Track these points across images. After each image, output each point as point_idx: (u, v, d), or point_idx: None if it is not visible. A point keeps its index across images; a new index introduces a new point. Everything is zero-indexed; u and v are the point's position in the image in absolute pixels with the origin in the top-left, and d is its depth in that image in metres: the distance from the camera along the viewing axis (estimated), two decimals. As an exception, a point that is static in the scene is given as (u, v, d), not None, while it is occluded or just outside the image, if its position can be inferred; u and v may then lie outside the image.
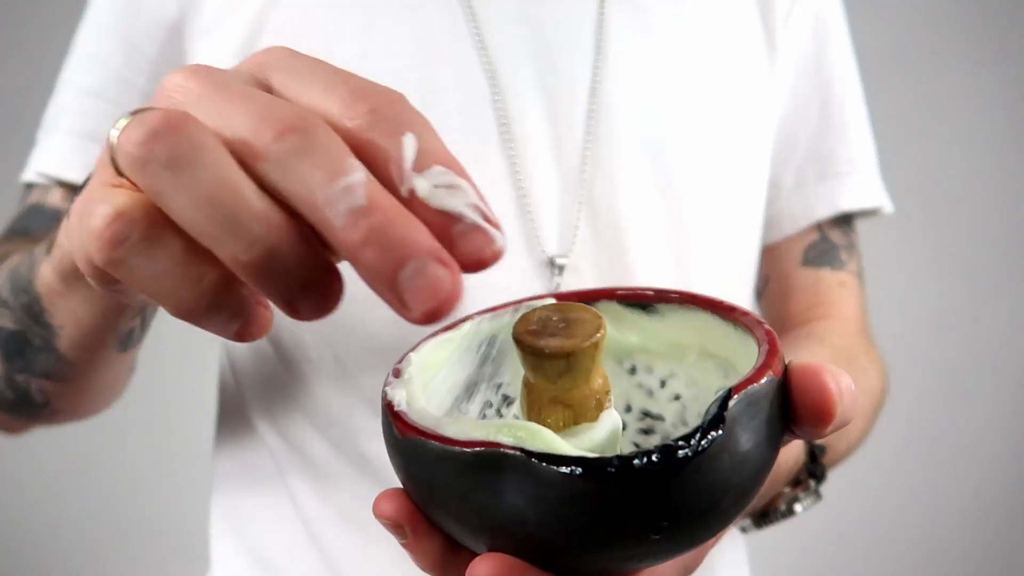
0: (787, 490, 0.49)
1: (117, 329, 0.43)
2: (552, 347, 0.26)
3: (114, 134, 0.22)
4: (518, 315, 0.32)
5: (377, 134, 0.21)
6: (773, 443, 0.26)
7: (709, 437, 0.23)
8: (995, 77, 1.56)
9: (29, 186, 0.56)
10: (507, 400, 0.33)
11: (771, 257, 0.63)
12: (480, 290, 0.47)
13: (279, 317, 0.51)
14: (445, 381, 0.31)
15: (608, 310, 0.32)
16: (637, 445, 0.33)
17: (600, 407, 0.27)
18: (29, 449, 1.24)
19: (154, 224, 0.21)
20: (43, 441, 1.04)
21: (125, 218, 0.21)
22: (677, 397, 0.32)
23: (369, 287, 0.20)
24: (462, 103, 0.48)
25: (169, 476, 1.34)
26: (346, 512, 0.51)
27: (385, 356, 0.48)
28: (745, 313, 0.29)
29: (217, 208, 0.20)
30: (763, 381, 0.25)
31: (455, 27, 0.49)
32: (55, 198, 0.54)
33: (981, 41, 1.57)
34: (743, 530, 0.53)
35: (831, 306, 0.61)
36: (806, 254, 0.62)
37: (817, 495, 0.49)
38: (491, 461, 0.23)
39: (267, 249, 0.20)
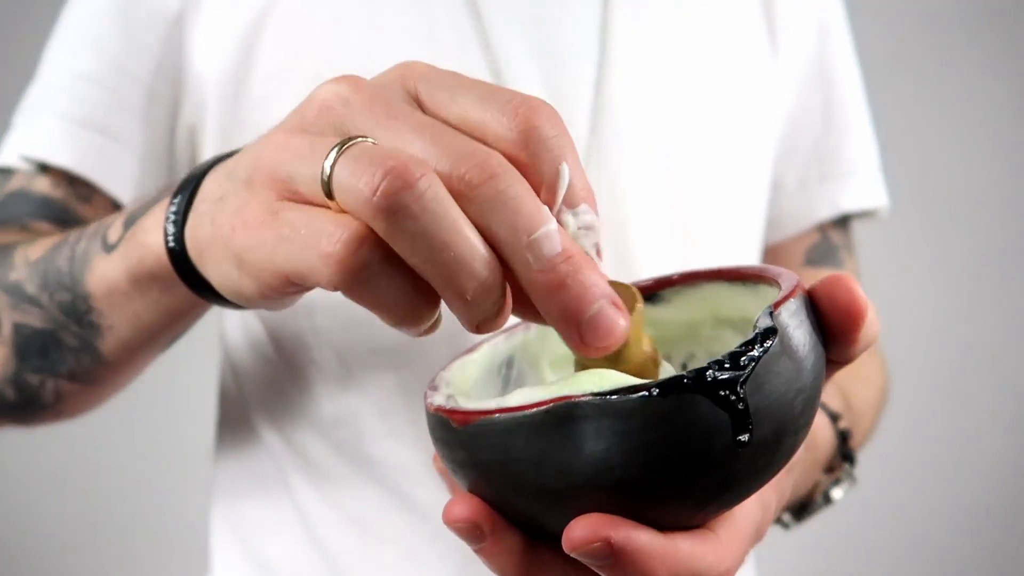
0: (824, 477, 0.49)
1: (177, 329, 0.43)
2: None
3: (325, 167, 0.24)
4: (531, 333, 0.32)
5: (537, 159, 0.24)
6: (820, 351, 0.26)
7: (769, 342, 0.24)
8: (995, 77, 1.56)
9: (5, 172, 0.53)
10: None
11: (773, 257, 0.63)
12: None
13: (280, 317, 0.51)
14: (478, 395, 0.31)
15: None
16: None
17: (657, 365, 0.27)
18: (29, 450, 1.24)
19: (389, 251, 0.23)
20: (43, 442, 1.03)
21: (369, 245, 0.23)
22: None
23: (548, 321, 0.23)
24: None
25: (168, 478, 1.34)
26: (349, 515, 0.50)
27: (389, 357, 0.48)
28: (750, 269, 0.30)
29: (450, 254, 0.23)
30: (797, 296, 0.26)
31: (459, 25, 0.49)
32: (42, 184, 0.51)
33: (981, 41, 1.57)
34: (785, 525, 0.52)
35: None
36: (808, 255, 0.62)
37: (852, 478, 0.49)
38: (564, 414, 0.23)
39: (486, 289, 0.23)
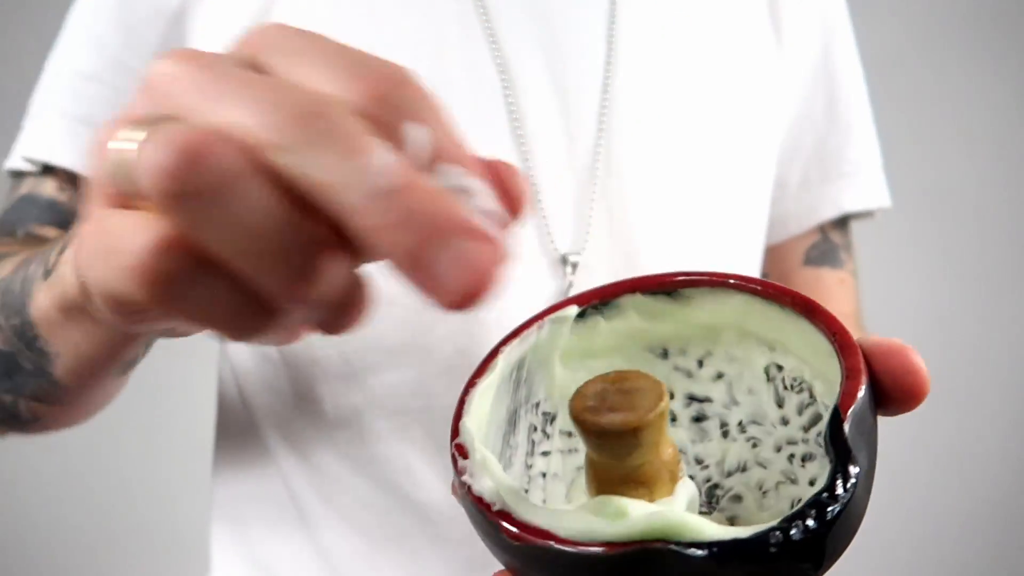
0: None
1: (122, 358, 0.42)
2: (616, 424, 0.25)
3: (126, 147, 0.19)
4: (543, 332, 0.31)
5: (383, 125, 0.19)
6: (875, 442, 0.25)
7: (851, 481, 0.22)
8: (995, 77, 1.57)
9: (18, 175, 0.53)
10: (548, 417, 0.32)
11: (774, 256, 0.63)
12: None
13: None
14: (491, 424, 0.30)
15: (633, 304, 0.32)
16: (697, 438, 0.32)
17: (674, 479, 0.26)
18: (28, 452, 1.23)
19: (200, 254, 0.19)
20: (43, 445, 1.03)
21: (172, 251, 0.19)
22: (720, 375, 0.31)
23: (401, 273, 0.18)
24: (473, 98, 0.48)
25: (168, 479, 1.34)
26: (352, 518, 0.50)
27: (394, 356, 0.47)
28: (796, 298, 0.29)
29: (258, 241, 0.18)
30: (862, 392, 0.24)
31: (465, 20, 0.49)
32: (49, 187, 0.51)
33: (981, 41, 1.57)
34: None
35: (829, 303, 0.60)
36: (808, 254, 0.62)
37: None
38: (637, 560, 0.22)
39: (311, 277, 0.19)
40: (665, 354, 0.32)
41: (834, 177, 0.61)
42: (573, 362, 0.32)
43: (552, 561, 0.23)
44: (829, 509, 0.22)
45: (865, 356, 0.25)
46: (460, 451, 0.27)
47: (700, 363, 0.32)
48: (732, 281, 0.30)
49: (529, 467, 0.31)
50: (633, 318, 0.32)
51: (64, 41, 0.53)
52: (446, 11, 0.49)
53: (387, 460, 0.48)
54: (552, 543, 0.23)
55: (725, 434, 0.28)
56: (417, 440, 0.48)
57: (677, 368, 0.32)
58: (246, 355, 0.54)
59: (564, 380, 0.32)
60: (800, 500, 0.28)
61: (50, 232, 0.50)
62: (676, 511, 0.23)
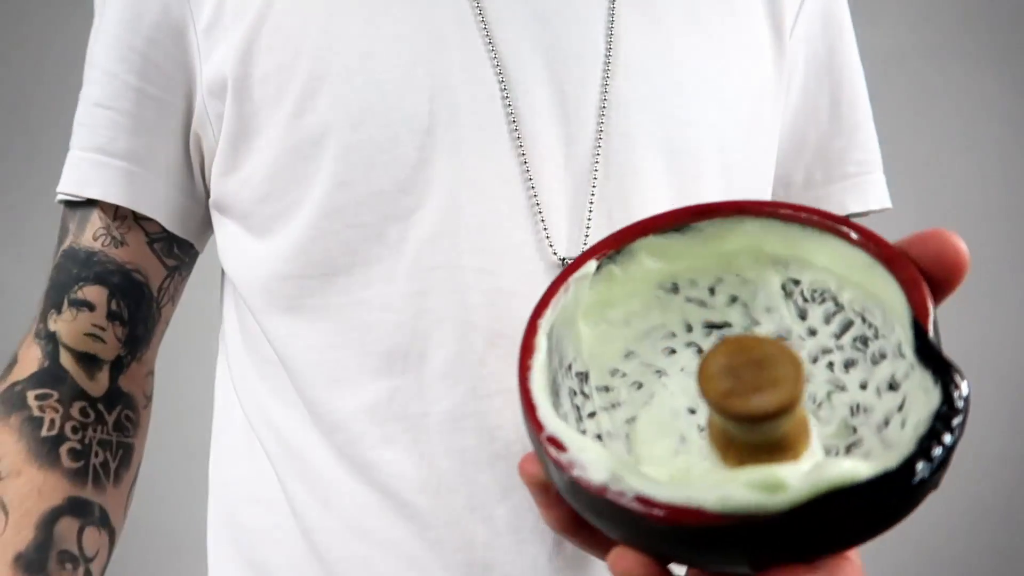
0: None
1: None
2: (772, 407, 0.24)
3: None
4: (569, 294, 0.31)
5: None
6: None
7: (963, 390, 0.24)
8: (995, 77, 1.56)
9: (68, 208, 0.56)
10: (582, 377, 0.32)
11: None
12: (489, 295, 0.46)
13: (279, 320, 0.50)
14: (561, 356, 0.30)
15: (646, 246, 0.32)
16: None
17: (808, 430, 0.26)
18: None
19: None
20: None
21: None
22: (734, 299, 0.31)
23: None
24: (471, 100, 0.47)
25: (167, 484, 1.34)
26: (349, 522, 0.49)
27: (390, 360, 0.47)
28: (812, 212, 0.28)
29: None
30: (931, 301, 0.25)
31: (463, 22, 0.48)
32: (88, 234, 0.55)
33: (981, 42, 1.57)
34: None
35: None
36: None
37: None
38: (807, 519, 0.23)
39: None
40: (676, 288, 0.32)
41: (838, 178, 0.61)
42: (592, 316, 0.32)
43: (702, 533, 0.23)
44: (955, 422, 0.23)
45: (905, 249, 0.26)
46: (555, 444, 0.26)
47: (711, 291, 0.32)
48: (746, 207, 0.30)
49: (583, 433, 0.31)
50: (646, 261, 0.32)
51: (86, 75, 0.55)
52: (443, 12, 0.48)
53: (384, 465, 0.48)
54: (706, 520, 0.23)
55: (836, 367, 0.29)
56: (414, 445, 0.47)
57: (689, 299, 0.32)
58: (244, 358, 0.54)
59: (588, 336, 0.32)
60: (859, 406, 0.28)
61: (91, 293, 0.54)
62: (831, 469, 0.23)
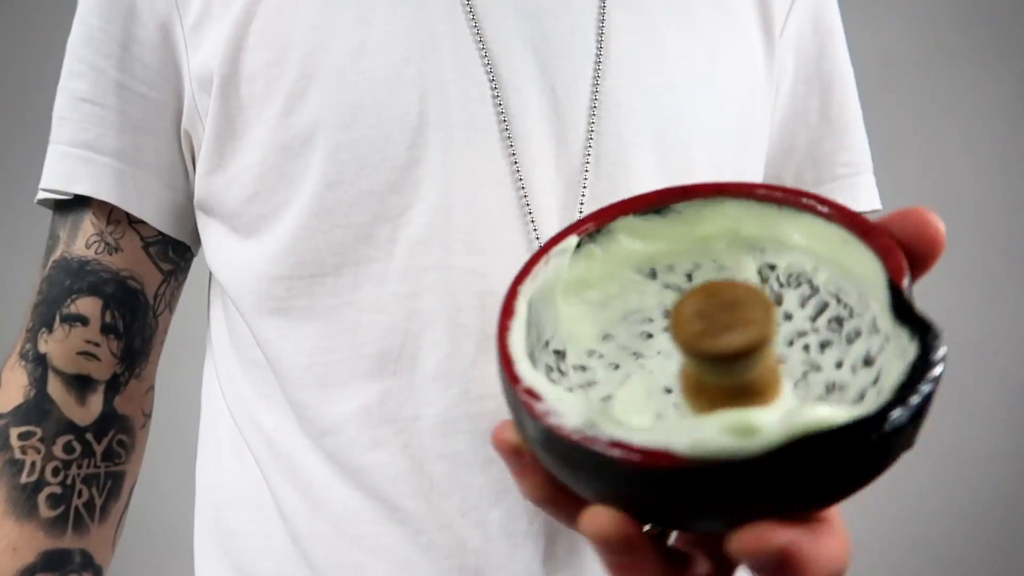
0: None
1: None
2: (741, 345, 0.24)
3: None
4: (549, 266, 0.31)
5: None
6: None
7: (940, 345, 0.24)
8: (995, 77, 1.56)
9: (58, 214, 0.55)
10: (560, 356, 0.32)
11: None
12: (480, 296, 0.46)
13: (268, 322, 0.49)
14: (544, 319, 0.30)
15: (625, 226, 0.32)
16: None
17: (778, 378, 0.26)
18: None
19: None
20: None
21: None
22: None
23: None
24: (461, 99, 0.47)
25: (157, 485, 1.33)
26: (340, 528, 0.48)
27: (381, 362, 0.47)
28: (787, 191, 0.29)
29: None
30: (906, 264, 0.26)
31: (454, 20, 0.48)
32: (80, 241, 0.53)
33: (981, 42, 1.56)
34: None
35: None
36: None
37: None
38: (782, 462, 0.23)
39: None
40: (653, 274, 0.32)
41: (827, 179, 0.61)
42: (571, 294, 0.32)
43: (678, 476, 0.23)
44: (931, 373, 0.23)
45: (885, 225, 0.26)
46: (531, 395, 0.26)
47: (689, 276, 0.31)
48: (725, 188, 0.30)
49: None
50: (625, 242, 0.32)
51: (65, 69, 0.53)
52: (435, 11, 0.48)
53: (375, 469, 0.47)
54: (687, 465, 0.23)
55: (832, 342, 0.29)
56: (405, 449, 0.47)
57: (667, 286, 0.31)
58: (232, 361, 0.53)
59: (566, 314, 0.32)
60: (834, 384, 0.28)
61: (84, 306, 0.53)
62: (806, 413, 0.23)
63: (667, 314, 0.31)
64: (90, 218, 0.54)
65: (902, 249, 0.27)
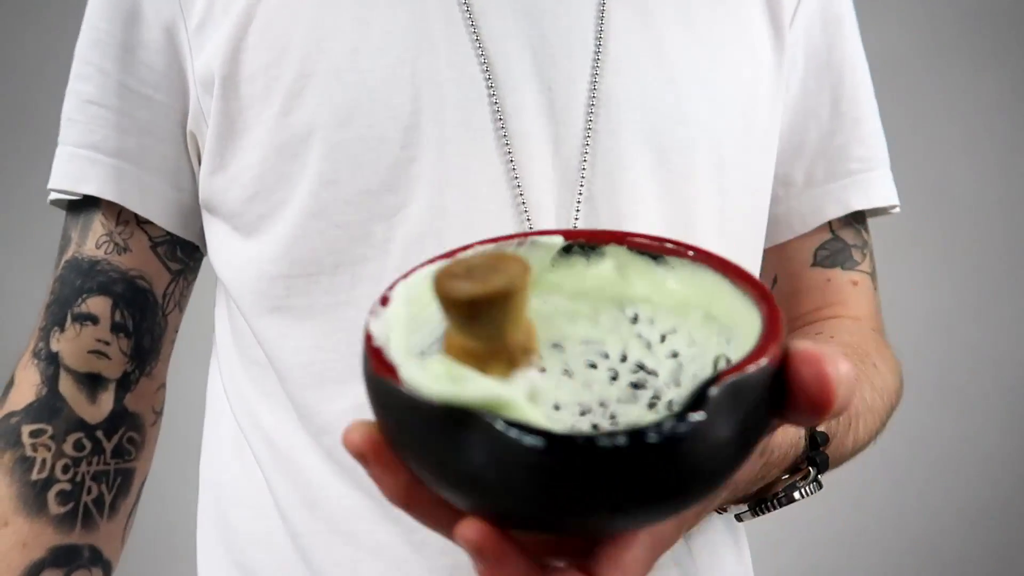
0: (785, 477, 0.47)
1: None
2: (482, 290, 0.24)
3: None
4: (522, 248, 0.31)
5: None
6: (758, 431, 0.25)
7: (684, 424, 0.22)
8: (995, 78, 1.56)
9: (70, 214, 0.56)
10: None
11: (779, 256, 0.61)
12: None
13: (267, 321, 0.50)
14: (436, 314, 0.29)
15: (615, 254, 0.31)
16: (625, 399, 0.31)
17: (514, 364, 0.26)
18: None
19: None
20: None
21: None
22: (675, 355, 0.31)
23: None
24: (457, 98, 0.47)
25: (160, 484, 1.33)
26: (336, 525, 0.48)
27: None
28: (756, 284, 0.28)
29: None
30: (753, 370, 0.23)
31: (450, 19, 0.48)
32: (90, 242, 0.55)
33: (981, 42, 1.57)
34: (739, 518, 0.51)
35: (842, 306, 0.60)
36: (816, 254, 0.60)
37: (817, 483, 0.47)
38: (458, 418, 0.23)
39: None
40: (636, 319, 0.32)
41: (840, 175, 0.60)
42: (542, 292, 0.32)
43: (395, 397, 0.24)
44: (648, 437, 0.22)
45: (784, 355, 0.25)
46: (383, 302, 0.27)
47: (663, 338, 0.31)
48: (712, 259, 0.30)
49: None
50: (611, 269, 0.32)
51: (73, 72, 0.55)
52: (432, 11, 0.48)
53: None
54: (398, 384, 0.24)
55: (652, 406, 0.28)
56: None
57: (640, 336, 0.31)
58: (234, 360, 0.54)
59: (533, 306, 0.31)
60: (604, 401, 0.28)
61: (94, 305, 0.54)
62: (507, 390, 0.23)
63: (623, 359, 0.31)
64: (100, 219, 0.55)
65: (784, 373, 0.25)
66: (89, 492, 0.54)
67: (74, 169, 0.53)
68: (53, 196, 0.55)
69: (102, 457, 0.55)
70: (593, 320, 0.31)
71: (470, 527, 0.24)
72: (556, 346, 0.30)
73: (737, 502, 0.47)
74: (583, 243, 0.32)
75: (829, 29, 0.59)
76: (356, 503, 0.48)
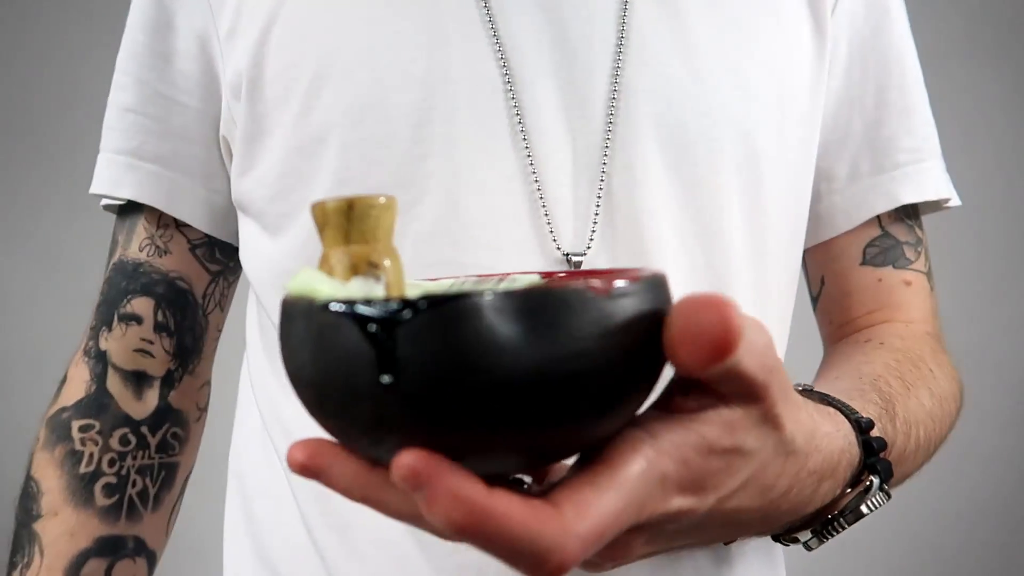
0: (848, 491, 0.42)
1: None
2: (329, 201, 0.28)
3: None
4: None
5: None
6: (571, 353, 0.24)
7: (433, 307, 0.23)
8: (995, 78, 1.57)
9: (118, 219, 0.59)
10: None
11: (825, 256, 0.59)
12: None
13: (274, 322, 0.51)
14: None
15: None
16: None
17: (348, 273, 0.28)
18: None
19: None
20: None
21: None
22: None
23: None
24: (473, 94, 0.47)
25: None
26: (347, 520, 0.49)
27: None
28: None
29: None
30: (558, 289, 0.24)
31: (466, 15, 0.47)
32: (134, 245, 0.57)
33: (981, 42, 1.57)
34: (807, 547, 0.45)
35: (896, 308, 0.57)
36: (865, 252, 0.58)
37: (885, 492, 0.42)
38: (291, 307, 0.26)
39: None
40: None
41: (888, 167, 0.56)
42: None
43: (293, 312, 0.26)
44: (393, 305, 0.23)
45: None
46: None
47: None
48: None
49: None
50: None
51: (114, 83, 0.57)
52: (447, 8, 0.48)
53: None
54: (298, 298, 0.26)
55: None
56: None
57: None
58: (261, 355, 0.55)
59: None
60: None
61: (138, 306, 0.57)
62: (312, 278, 0.26)
63: None
64: (142, 223, 0.57)
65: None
66: (134, 485, 0.56)
67: (113, 174, 0.56)
68: (104, 202, 0.58)
69: (147, 452, 0.57)
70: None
71: (402, 457, 0.23)
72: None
73: (794, 529, 0.43)
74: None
75: (874, 16, 0.56)
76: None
